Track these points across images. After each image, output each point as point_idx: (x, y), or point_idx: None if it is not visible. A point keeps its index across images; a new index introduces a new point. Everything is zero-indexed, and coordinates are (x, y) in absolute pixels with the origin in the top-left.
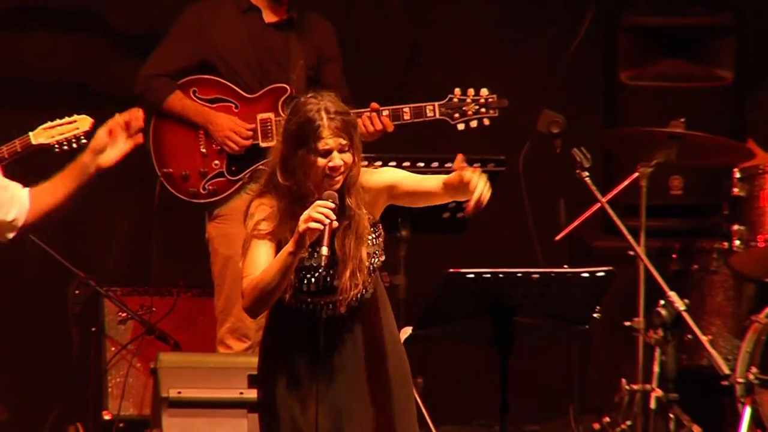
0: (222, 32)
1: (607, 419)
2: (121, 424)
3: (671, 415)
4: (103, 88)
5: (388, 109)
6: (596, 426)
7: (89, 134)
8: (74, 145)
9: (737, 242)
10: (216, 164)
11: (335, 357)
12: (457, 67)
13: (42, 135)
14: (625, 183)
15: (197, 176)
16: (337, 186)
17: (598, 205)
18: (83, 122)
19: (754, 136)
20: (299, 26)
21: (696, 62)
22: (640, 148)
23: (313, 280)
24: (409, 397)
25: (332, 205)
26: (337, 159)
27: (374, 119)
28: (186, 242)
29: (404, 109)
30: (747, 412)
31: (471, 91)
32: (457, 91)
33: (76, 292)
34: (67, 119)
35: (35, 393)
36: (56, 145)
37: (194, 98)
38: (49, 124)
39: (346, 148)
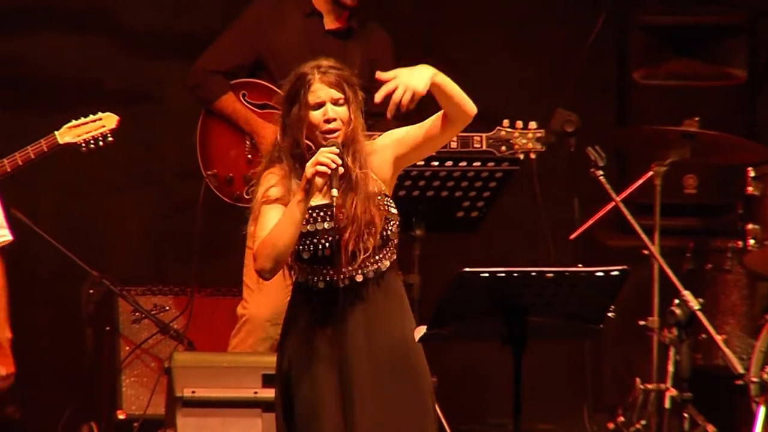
0: (282, 33)
1: (622, 418)
2: (135, 424)
3: (685, 415)
4: (112, 88)
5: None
6: (610, 425)
7: (115, 132)
8: (101, 144)
9: (751, 241)
10: (260, 163)
11: (350, 330)
12: (470, 67)
13: (68, 134)
14: (639, 182)
15: (242, 181)
16: (338, 141)
17: (612, 204)
18: (109, 120)
19: None
20: (358, 35)
21: (709, 61)
22: (654, 146)
23: (327, 244)
24: (428, 392)
25: (337, 151)
26: (331, 111)
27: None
28: (201, 242)
29: (451, 140)
30: (761, 412)
31: (519, 124)
32: (505, 122)
33: (90, 291)
34: (92, 117)
35: (49, 392)
36: (83, 144)
37: (244, 102)
38: (75, 122)
39: (341, 102)
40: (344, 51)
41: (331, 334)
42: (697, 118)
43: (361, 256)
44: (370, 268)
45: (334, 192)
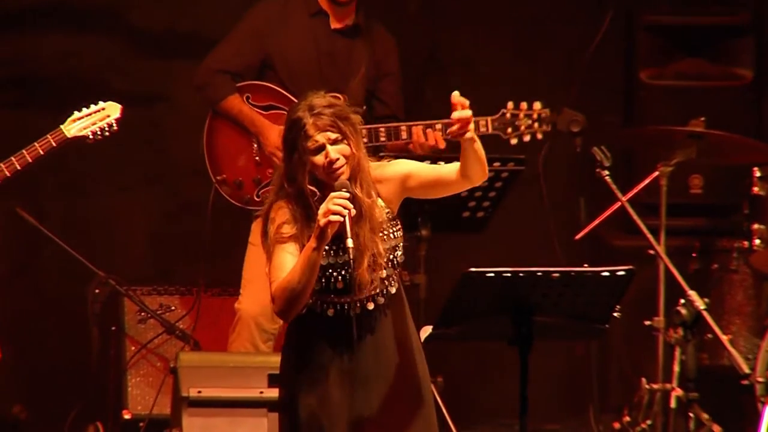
0: (288, 33)
1: (627, 418)
2: (140, 424)
3: (691, 415)
4: (123, 88)
5: (441, 123)
6: (616, 425)
7: (120, 121)
8: (107, 134)
9: (757, 241)
10: (270, 172)
11: (361, 358)
12: (477, 67)
13: (74, 127)
14: (646, 182)
15: (251, 184)
16: (344, 176)
17: (619, 204)
18: (113, 109)
19: None
20: (364, 35)
21: (715, 61)
22: (660, 146)
23: (340, 278)
24: (431, 398)
25: (347, 195)
26: (332, 152)
27: (429, 134)
28: (207, 242)
29: None
30: (767, 412)
31: (524, 105)
32: (510, 105)
33: (96, 291)
34: (94, 108)
35: (55, 392)
36: (90, 135)
37: (248, 104)
38: (78, 114)
39: (339, 140)
40: (351, 50)
41: (340, 363)
42: (703, 118)
43: (369, 288)
44: (380, 296)
45: (350, 243)
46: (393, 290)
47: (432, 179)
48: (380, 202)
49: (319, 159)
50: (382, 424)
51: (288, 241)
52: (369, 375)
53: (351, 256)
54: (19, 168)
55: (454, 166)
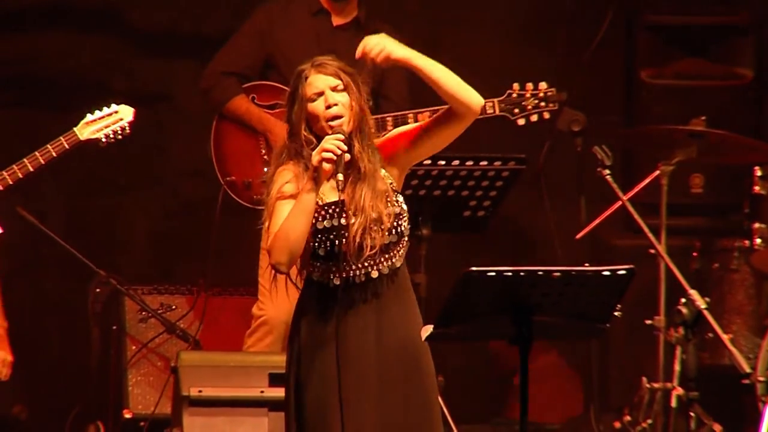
0: (290, 33)
1: (628, 418)
2: (141, 423)
3: (692, 414)
4: (122, 88)
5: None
6: (617, 425)
7: (132, 124)
8: (120, 137)
9: (758, 240)
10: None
11: (362, 332)
12: (477, 65)
13: (87, 129)
14: (646, 181)
15: (260, 184)
16: (343, 128)
17: (619, 203)
18: (126, 112)
19: None
20: (367, 31)
21: (715, 61)
22: (660, 146)
23: (344, 240)
24: (434, 391)
25: (342, 137)
26: (331, 96)
27: None
28: (208, 242)
29: None
30: None
31: (530, 86)
32: (516, 86)
33: (97, 290)
34: (107, 111)
35: (56, 391)
36: (103, 138)
37: (254, 105)
38: (91, 117)
39: (340, 88)
40: (353, 47)
41: (342, 331)
42: (703, 118)
43: (367, 252)
44: (384, 264)
45: (340, 176)
46: (398, 264)
47: (427, 128)
48: (383, 171)
49: (318, 105)
50: (382, 406)
51: (289, 198)
52: (369, 346)
53: (340, 188)
54: (31, 170)
55: (444, 109)
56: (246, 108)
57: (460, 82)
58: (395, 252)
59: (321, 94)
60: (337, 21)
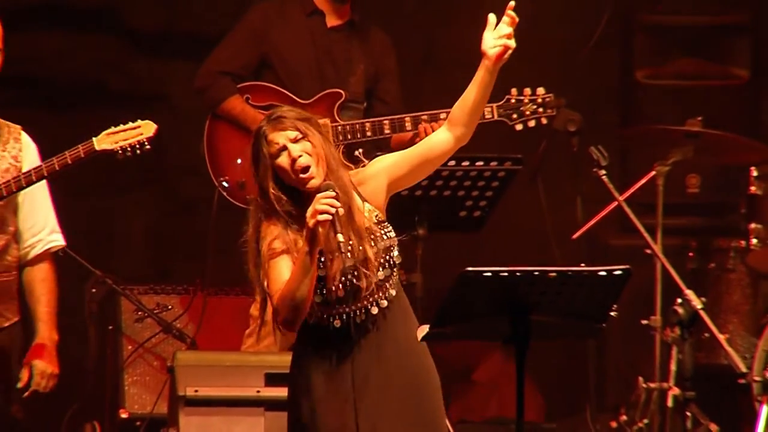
0: (285, 33)
1: (624, 417)
2: (138, 423)
3: (688, 414)
4: (120, 87)
5: (445, 112)
6: (613, 424)
7: (152, 140)
8: (138, 152)
9: (754, 240)
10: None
11: (367, 365)
12: (473, 66)
13: (105, 141)
14: (642, 181)
15: (253, 183)
16: (317, 180)
17: (615, 203)
18: (147, 128)
19: None
20: (360, 33)
21: (712, 61)
22: (656, 146)
23: (341, 285)
24: (440, 402)
25: (333, 194)
26: (294, 150)
27: (435, 126)
28: (204, 241)
29: None
30: (764, 411)
31: (527, 91)
32: (514, 91)
33: (93, 290)
34: (131, 125)
35: (52, 391)
36: (119, 151)
37: (249, 105)
38: (113, 129)
39: (300, 138)
40: (348, 48)
41: (349, 370)
42: (700, 118)
43: (364, 293)
44: (382, 297)
45: (340, 237)
46: (393, 292)
47: (421, 154)
48: (366, 206)
49: (284, 160)
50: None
51: (281, 255)
52: (372, 379)
53: (343, 250)
54: (45, 174)
55: (439, 134)
56: (241, 108)
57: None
58: (389, 284)
59: (284, 148)
60: (331, 22)
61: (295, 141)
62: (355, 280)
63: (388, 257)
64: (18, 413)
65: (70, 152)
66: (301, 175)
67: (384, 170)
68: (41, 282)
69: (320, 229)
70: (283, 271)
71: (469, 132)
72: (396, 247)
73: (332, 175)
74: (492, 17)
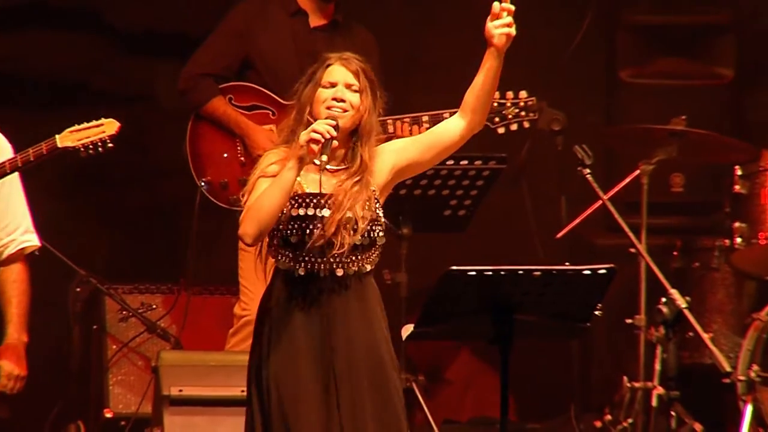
0: (268, 33)
1: (609, 417)
2: (122, 422)
3: (673, 413)
4: (103, 87)
5: (428, 115)
6: (598, 424)
7: (115, 138)
8: (100, 149)
9: (738, 240)
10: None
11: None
12: (457, 67)
13: (68, 138)
14: (627, 180)
15: (236, 184)
16: (340, 121)
17: (600, 202)
18: (110, 126)
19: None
20: (343, 33)
21: (696, 60)
22: (641, 145)
23: (316, 230)
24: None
25: (333, 122)
26: (342, 92)
27: (414, 130)
28: (187, 241)
29: (444, 115)
30: (748, 410)
31: (510, 94)
32: (496, 94)
33: (78, 289)
34: (94, 122)
35: (36, 391)
36: (82, 149)
37: (231, 106)
38: (77, 127)
39: (354, 88)
40: (331, 48)
41: (309, 325)
42: (684, 117)
43: (336, 249)
44: (351, 266)
45: (324, 158)
46: (367, 268)
47: (431, 140)
48: (373, 186)
49: (327, 93)
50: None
51: (271, 177)
52: (338, 344)
53: (322, 167)
54: (8, 171)
55: (451, 120)
56: (223, 110)
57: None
58: (365, 257)
59: (335, 85)
60: (314, 22)
61: (348, 87)
62: (329, 233)
63: (371, 228)
64: (2, 413)
65: (33, 149)
66: (327, 110)
67: (392, 152)
68: (12, 283)
69: (311, 147)
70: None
71: (482, 119)
72: (382, 225)
73: (365, 136)
74: (496, 5)
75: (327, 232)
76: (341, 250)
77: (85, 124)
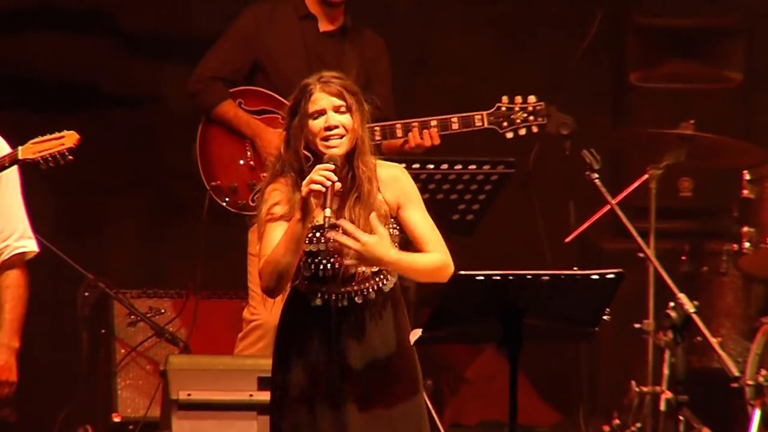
0: (278, 37)
1: (617, 421)
2: (130, 427)
3: (681, 417)
4: (112, 89)
5: (436, 119)
6: (606, 428)
7: (73, 151)
8: (60, 162)
9: (747, 244)
10: (264, 176)
11: (348, 356)
12: (465, 70)
13: (30, 150)
14: (635, 185)
15: (246, 188)
16: (338, 150)
17: (608, 207)
18: (70, 138)
19: None
20: (353, 37)
21: (705, 63)
22: (649, 149)
23: (329, 266)
24: (420, 405)
25: (332, 167)
26: (332, 118)
27: (425, 134)
28: (196, 245)
29: (452, 119)
30: (757, 414)
31: (518, 99)
32: (505, 99)
33: (86, 294)
34: (56, 134)
35: (44, 395)
36: (41, 161)
37: (242, 109)
38: (39, 139)
39: (342, 110)
40: (341, 52)
41: (327, 354)
42: (692, 121)
43: (360, 278)
44: (372, 290)
45: (327, 212)
46: (387, 288)
47: (411, 235)
48: (379, 196)
49: (318, 124)
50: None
51: (279, 220)
52: (355, 373)
53: (327, 225)
54: None
55: (418, 244)
56: (234, 113)
57: (431, 272)
58: (385, 277)
59: (323, 113)
60: (324, 27)
61: (337, 110)
62: (341, 265)
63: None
64: (10, 416)
65: None
66: (324, 142)
67: (399, 194)
68: (6, 288)
69: (313, 200)
70: (276, 236)
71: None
72: (397, 243)
73: (361, 157)
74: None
75: (346, 281)
76: (364, 280)
77: (48, 136)
